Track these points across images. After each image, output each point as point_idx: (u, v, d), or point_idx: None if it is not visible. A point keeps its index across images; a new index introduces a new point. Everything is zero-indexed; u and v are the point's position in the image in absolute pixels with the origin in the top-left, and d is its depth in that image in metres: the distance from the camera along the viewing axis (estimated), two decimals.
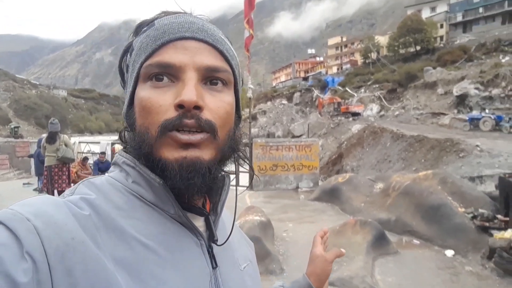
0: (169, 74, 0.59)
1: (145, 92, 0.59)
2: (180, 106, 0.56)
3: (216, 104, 0.60)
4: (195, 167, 0.57)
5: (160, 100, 0.58)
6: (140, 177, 0.61)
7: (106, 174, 0.67)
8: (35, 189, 10.49)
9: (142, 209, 0.60)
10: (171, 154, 0.57)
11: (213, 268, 0.63)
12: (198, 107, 0.57)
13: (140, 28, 0.65)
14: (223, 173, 0.67)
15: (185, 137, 0.57)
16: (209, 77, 0.61)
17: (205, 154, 0.59)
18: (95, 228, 0.53)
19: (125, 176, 0.63)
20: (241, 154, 0.69)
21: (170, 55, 0.59)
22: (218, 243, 0.66)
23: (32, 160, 11.68)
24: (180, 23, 0.61)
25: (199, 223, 0.65)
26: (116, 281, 0.50)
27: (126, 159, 0.64)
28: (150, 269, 0.54)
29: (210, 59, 0.60)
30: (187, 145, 0.57)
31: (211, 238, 0.66)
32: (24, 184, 11.85)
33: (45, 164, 7.74)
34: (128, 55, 0.66)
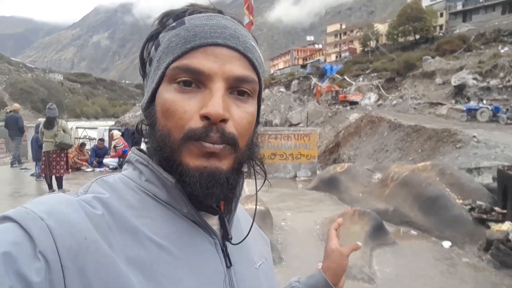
0: (196, 80, 0.58)
1: (170, 94, 0.59)
2: (205, 117, 0.56)
3: (240, 116, 0.60)
4: (215, 177, 0.57)
5: (185, 106, 0.57)
6: (154, 176, 0.61)
7: (120, 172, 0.66)
8: (32, 175, 10.45)
9: (155, 208, 0.60)
10: (192, 161, 0.57)
11: (227, 267, 0.63)
12: (223, 120, 0.56)
13: (167, 19, 0.64)
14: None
15: (209, 145, 0.56)
16: (236, 87, 0.60)
17: (224, 164, 0.59)
18: (108, 227, 0.53)
19: (138, 175, 0.63)
20: (257, 162, 0.69)
21: (200, 61, 0.58)
22: (232, 242, 0.65)
23: (29, 145, 11.61)
24: (212, 27, 0.59)
25: (213, 221, 0.65)
26: (129, 281, 0.50)
27: (139, 157, 0.64)
28: (163, 269, 0.54)
29: (240, 69, 0.60)
30: (209, 154, 0.57)
31: (226, 236, 0.65)
32: (21, 169, 11.81)
33: (43, 150, 7.72)
34: (153, 48, 0.63)
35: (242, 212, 0.78)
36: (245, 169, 0.67)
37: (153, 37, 0.64)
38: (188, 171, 0.57)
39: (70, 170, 8.48)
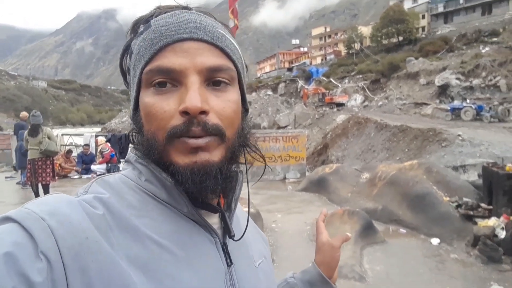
0: (171, 79, 0.58)
1: (149, 98, 0.59)
2: (185, 112, 0.56)
3: (222, 105, 0.59)
4: (206, 171, 0.57)
5: (164, 106, 0.57)
6: (153, 176, 0.61)
7: (120, 172, 0.66)
8: (18, 183, 10.27)
9: (155, 208, 0.60)
10: (181, 159, 0.57)
11: (228, 265, 0.63)
12: (203, 112, 0.56)
13: (136, 26, 0.64)
14: (235, 169, 0.67)
15: (193, 141, 0.56)
16: (211, 78, 0.60)
17: (215, 156, 0.59)
18: (109, 227, 0.53)
19: (138, 175, 0.63)
20: (251, 148, 0.70)
21: (169, 59, 0.58)
22: (234, 239, 0.66)
23: (14, 153, 11.47)
24: (176, 23, 0.59)
25: (213, 220, 0.65)
26: (130, 280, 0.50)
27: (139, 157, 0.64)
28: (164, 268, 0.54)
29: (211, 59, 0.59)
30: (196, 149, 0.57)
31: (227, 234, 0.66)
32: (6, 177, 11.61)
33: (28, 158, 7.56)
34: (128, 57, 0.64)
35: (241, 213, 0.78)
36: (239, 160, 0.67)
37: (128, 47, 0.64)
38: (178, 170, 0.57)
39: (56, 177, 8.35)
